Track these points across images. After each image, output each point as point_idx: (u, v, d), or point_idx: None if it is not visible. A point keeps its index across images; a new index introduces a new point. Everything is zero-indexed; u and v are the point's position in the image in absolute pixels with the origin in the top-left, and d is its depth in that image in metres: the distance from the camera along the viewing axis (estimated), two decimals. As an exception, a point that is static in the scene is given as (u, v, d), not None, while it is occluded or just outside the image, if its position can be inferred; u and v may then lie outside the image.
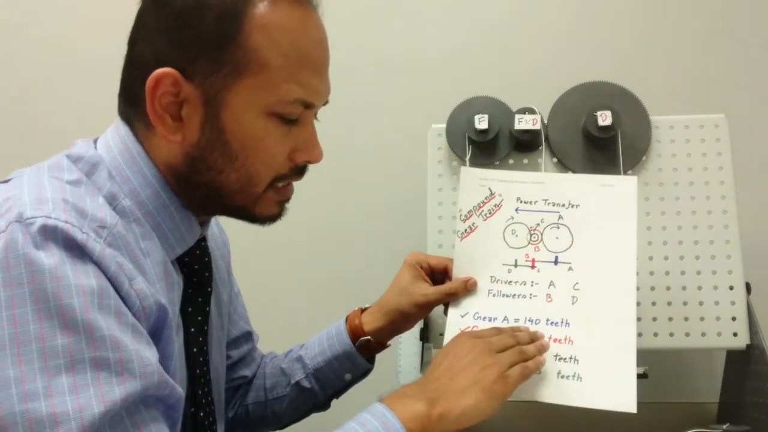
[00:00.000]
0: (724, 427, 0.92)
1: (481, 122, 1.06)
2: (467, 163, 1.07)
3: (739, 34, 1.34)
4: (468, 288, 0.91)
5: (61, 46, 1.47)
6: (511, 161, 1.09)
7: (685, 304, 1.01)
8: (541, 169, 1.07)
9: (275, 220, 0.79)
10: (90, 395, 0.57)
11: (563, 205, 0.93)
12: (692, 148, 1.06)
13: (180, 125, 0.71)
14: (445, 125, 1.10)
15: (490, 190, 0.95)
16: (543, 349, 0.83)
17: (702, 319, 1.00)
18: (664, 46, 1.36)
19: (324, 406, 1.01)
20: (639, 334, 0.85)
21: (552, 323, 0.86)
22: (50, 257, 0.59)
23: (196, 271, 0.79)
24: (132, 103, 0.73)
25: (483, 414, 0.73)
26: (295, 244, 1.42)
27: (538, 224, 0.93)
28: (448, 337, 0.88)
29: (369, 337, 0.95)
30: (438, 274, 0.96)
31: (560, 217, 0.92)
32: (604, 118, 1.03)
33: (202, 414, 0.80)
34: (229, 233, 0.97)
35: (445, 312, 0.93)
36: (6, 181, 0.69)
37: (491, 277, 0.92)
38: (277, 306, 1.42)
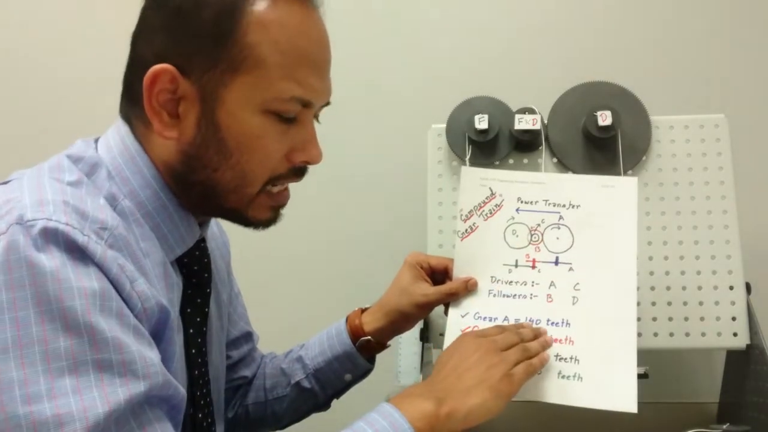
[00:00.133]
0: (724, 427, 0.92)
1: (481, 122, 1.06)
2: (467, 163, 1.07)
3: (739, 34, 1.34)
4: (468, 288, 0.91)
5: (62, 46, 1.47)
6: (511, 161, 1.09)
7: (685, 304, 1.01)
8: (541, 169, 1.07)
9: (269, 226, 0.79)
10: (94, 396, 0.57)
11: (564, 206, 0.93)
12: (692, 148, 1.06)
13: (177, 122, 0.71)
14: (445, 125, 1.10)
15: (491, 190, 0.95)
16: (547, 345, 0.83)
17: (702, 319, 1.00)
18: (664, 46, 1.36)
19: (324, 406, 1.01)
20: (639, 334, 0.85)
21: (552, 323, 0.87)
22: (51, 260, 0.59)
23: (196, 272, 0.79)
24: (132, 101, 0.73)
25: (489, 413, 0.73)
26: (295, 244, 1.41)
27: (539, 224, 0.93)
28: (448, 338, 0.88)
29: (369, 337, 0.95)
30: (438, 274, 0.96)
31: (561, 217, 0.92)
32: (604, 118, 1.03)
33: (200, 415, 0.80)
34: (230, 233, 0.97)
35: (446, 312, 0.93)
36: (6, 183, 0.69)
37: (492, 277, 0.92)
38: (277, 306, 1.42)
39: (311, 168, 0.78)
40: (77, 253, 0.61)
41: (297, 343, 1.03)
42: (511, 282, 0.91)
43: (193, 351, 0.79)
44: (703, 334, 1.00)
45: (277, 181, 0.75)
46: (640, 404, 0.79)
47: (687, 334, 1.00)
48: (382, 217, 1.41)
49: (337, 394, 1.00)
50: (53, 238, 0.60)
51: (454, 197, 1.07)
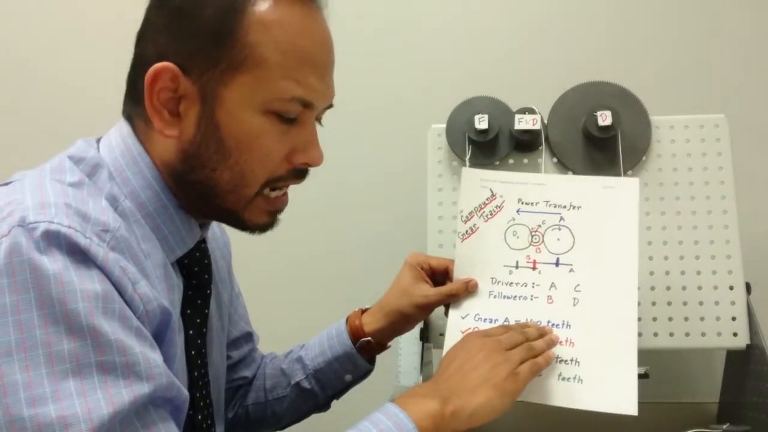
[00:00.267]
0: (724, 427, 0.92)
1: (481, 122, 1.06)
2: (467, 163, 1.07)
3: (739, 34, 1.34)
4: (469, 289, 0.91)
5: (62, 46, 1.46)
6: (511, 161, 1.09)
7: (685, 304, 1.01)
8: (541, 169, 1.07)
9: (265, 230, 0.78)
10: (98, 398, 0.57)
11: (565, 207, 0.93)
12: (692, 148, 1.06)
13: (177, 120, 0.71)
14: (445, 125, 1.10)
15: (492, 191, 0.95)
16: (552, 344, 0.83)
17: (702, 319, 1.00)
18: (664, 46, 1.36)
19: (324, 406, 1.01)
20: (639, 334, 0.85)
21: (553, 325, 0.86)
22: (54, 263, 0.59)
23: (196, 273, 0.79)
24: (134, 100, 0.73)
25: (494, 412, 0.73)
26: (295, 244, 1.41)
27: (540, 225, 0.93)
28: (448, 339, 0.88)
29: (369, 338, 0.95)
30: (439, 275, 0.96)
31: (562, 218, 0.92)
32: (604, 118, 1.03)
33: (200, 417, 0.80)
34: (230, 234, 0.97)
35: (446, 313, 0.93)
36: (7, 184, 0.69)
37: (492, 278, 0.92)
38: (277, 306, 1.42)
39: (311, 169, 0.78)
40: (79, 255, 0.61)
41: (297, 343, 1.03)
42: (512, 283, 0.91)
43: (193, 352, 0.79)
44: (703, 334, 1.00)
45: (276, 183, 0.75)
46: (640, 404, 0.79)
47: (687, 334, 1.00)
48: (382, 218, 1.41)
49: (337, 394, 1.00)
50: (55, 241, 0.60)
51: (454, 197, 1.07)
